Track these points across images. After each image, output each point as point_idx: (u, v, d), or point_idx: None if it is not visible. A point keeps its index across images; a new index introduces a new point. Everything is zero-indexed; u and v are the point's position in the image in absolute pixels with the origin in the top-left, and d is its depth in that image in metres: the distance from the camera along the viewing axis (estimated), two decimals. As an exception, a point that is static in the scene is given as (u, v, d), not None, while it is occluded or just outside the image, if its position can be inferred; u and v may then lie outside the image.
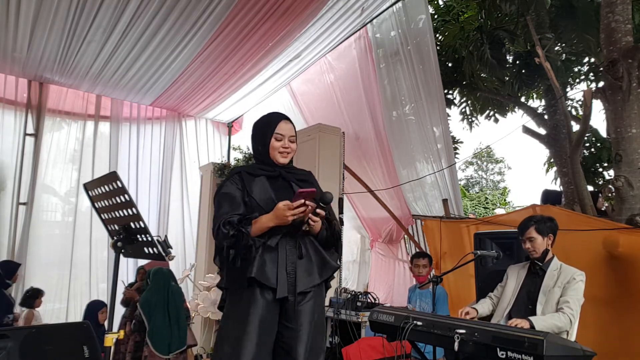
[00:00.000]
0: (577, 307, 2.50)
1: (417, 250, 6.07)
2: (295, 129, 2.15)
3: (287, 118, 2.15)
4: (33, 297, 4.72)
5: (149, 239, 1.82)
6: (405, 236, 6.15)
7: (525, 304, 2.63)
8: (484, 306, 2.86)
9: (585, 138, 5.64)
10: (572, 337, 2.57)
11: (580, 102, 6.92)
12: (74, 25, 4.29)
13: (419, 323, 2.23)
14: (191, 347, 4.53)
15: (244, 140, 7.16)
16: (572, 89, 7.02)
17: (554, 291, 2.57)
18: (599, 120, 28.57)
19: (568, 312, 2.46)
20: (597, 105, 5.27)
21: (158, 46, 4.73)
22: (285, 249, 1.93)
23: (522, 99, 7.40)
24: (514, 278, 2.80)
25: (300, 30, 4.80)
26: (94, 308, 4.69)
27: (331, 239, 2.06)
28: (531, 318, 2.43)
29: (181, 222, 6.82)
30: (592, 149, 6.25)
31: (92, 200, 1.99)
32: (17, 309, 4.83)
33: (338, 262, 2.12)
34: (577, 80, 6.98)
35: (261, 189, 2.00)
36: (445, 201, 5.31)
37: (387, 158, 5.78)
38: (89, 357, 2.85)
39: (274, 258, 1.90)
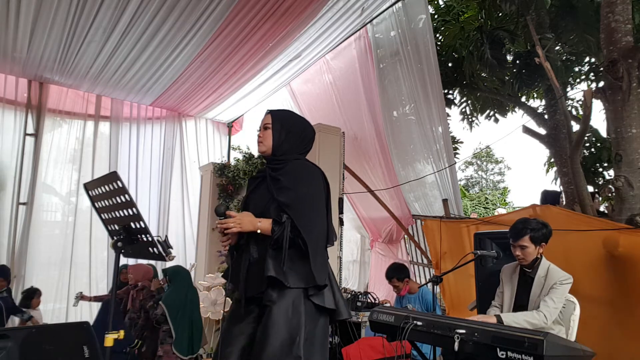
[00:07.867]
0: (555, 304, 2.50)
1: (417, 250, 6.08)
2: (273, 115, 2.09)
3: (268, 112, 2.13)
4: (29, 297, 4.70)
5: (149, 239, 1.83)
6: (405, 236, 6.15)
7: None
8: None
9: (585, 138, 5.64)
10: (572, 337, 2.58)
11: (580, 102, 6.92)
12: (74, 25, 4.29)
13: (419, 323, 2.23)
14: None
15: (244, 140, 7.17)
16: (572, 89, 7.03)
17: (540, 300, 2.58)
18: (599, 120, 28.61)
19: (543, 309, 2.48)
20: (597, 105, 5.27)
21: (158, 46, 4.73)
22: (243, 254, 2.01)
23: (522, 99, 7.39)
24: (508, 284, 2.81)
25: (300, 30, 4.79)
26: None
27: (276, 244, 1.89)
28: (501, 314, 2.49)
29: (181, 222, 6.82)
30: (592, 149, 6.24)
31: (93, 200, 1.99)
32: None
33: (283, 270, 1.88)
34: (577, 80, 6.97)
35: (246, 192, 2.18)
36: (445, 201, 5.31)
37: (387, 158, 5.78)
38: (89, 357, 2.86)
39: (238, 261, 2.03)
